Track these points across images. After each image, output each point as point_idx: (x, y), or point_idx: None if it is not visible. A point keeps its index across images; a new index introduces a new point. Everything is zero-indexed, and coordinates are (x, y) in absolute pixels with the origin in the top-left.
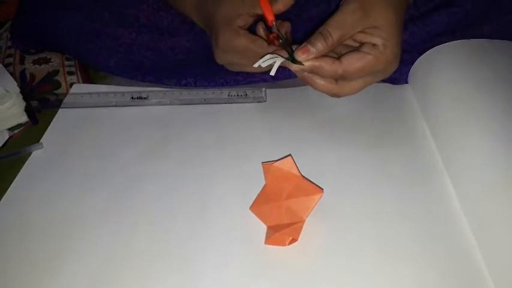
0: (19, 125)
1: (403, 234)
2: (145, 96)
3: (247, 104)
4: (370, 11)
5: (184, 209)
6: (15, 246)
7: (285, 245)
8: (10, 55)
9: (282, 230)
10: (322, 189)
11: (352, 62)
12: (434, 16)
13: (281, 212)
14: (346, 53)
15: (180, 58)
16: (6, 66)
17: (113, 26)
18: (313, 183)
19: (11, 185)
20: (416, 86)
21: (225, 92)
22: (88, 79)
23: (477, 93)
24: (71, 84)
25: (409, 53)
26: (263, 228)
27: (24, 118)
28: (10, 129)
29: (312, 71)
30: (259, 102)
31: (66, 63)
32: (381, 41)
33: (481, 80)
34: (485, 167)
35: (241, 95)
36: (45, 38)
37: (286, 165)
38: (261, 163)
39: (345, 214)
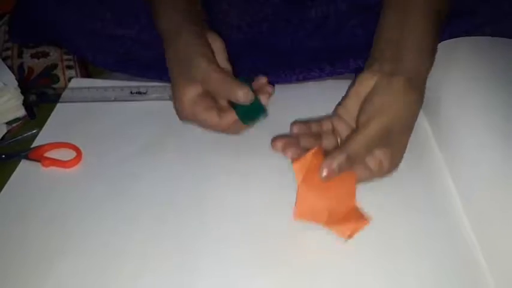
0: (17, 119)
1: (403, 230)
2: (145, 91)
3: None
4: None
5: (183, 204)
6: (13, 242)
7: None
8: (8, 48)
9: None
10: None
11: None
12: None
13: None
14: None
15: None
16: (4, 59)
17: (114, 27)
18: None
19: (8, 181)
20: None
21: None
22: (87, 73)
23: (478, 90)
24: (70, 79)
25: None
26: (262, 225)
27: (22, 112)
28: (8, 123)
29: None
30: None
31: (65, 57)
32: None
33: (482, 77)
34: (486, 164)
35: None
36: (43, 33)
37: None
38: (289, 163)
39: None
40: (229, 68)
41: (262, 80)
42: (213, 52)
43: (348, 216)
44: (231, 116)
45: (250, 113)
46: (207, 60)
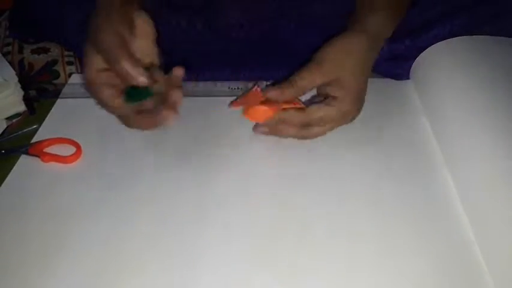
0: (17, 115)
1: (402, 228)
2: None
3: None
4: (332, 66)
5: (183, 201)
6: (12, 237)
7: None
8: (8, 44)
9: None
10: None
11: (315, 111)
12: (437, 28)
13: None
14: (310, 104)
15: (181, 55)
16: (4, 55)
17: None
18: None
19: (8, 176)
20: (418, 82)
21: (225, 85)
22: None
23: (478, 89)
24: (70, 74)
25: (410, 49)
26: (264, 222)
27: (22, 107)
28: (8, 118)
29: (282, 121)
30: None
31: (66, 53)
32: (341, 94)
33: (482, 76)
34: (485, 163)
35: (242, 88)
36: (43, 30)
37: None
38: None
39: (345, 209)
40: (155, 53)
41: (178, 72)
42: (131, 33)
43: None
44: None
45: (137, 94)
46: (117, 36)
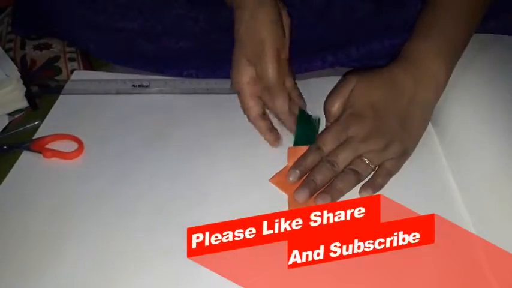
0: (19, 110)
1: None
2: (147, 84)
3: None
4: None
5: (184, 197)
6: (13, 233)
7: None
8: (11, 40)
9: None
10: None
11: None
12: None
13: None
14: None
15: (183, 51)
16: (6, 51)
17: (116, 20)
18: None
19: (10, 172)
20: None
21: (227, 82)
22: (89, 66)
23: (480, 88)
24: (72, 71)
25: None
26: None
27: (24, 103)
28: (10, 114)
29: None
30: None
31: (68, 49)
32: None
33: (485, 74)
34: (487, 162)
35: None
36: (46, 25)
37: None
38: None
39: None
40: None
41: None
42: (284, 34)
43: None
44: None
45: (305, 136)
46: (274, 50)
